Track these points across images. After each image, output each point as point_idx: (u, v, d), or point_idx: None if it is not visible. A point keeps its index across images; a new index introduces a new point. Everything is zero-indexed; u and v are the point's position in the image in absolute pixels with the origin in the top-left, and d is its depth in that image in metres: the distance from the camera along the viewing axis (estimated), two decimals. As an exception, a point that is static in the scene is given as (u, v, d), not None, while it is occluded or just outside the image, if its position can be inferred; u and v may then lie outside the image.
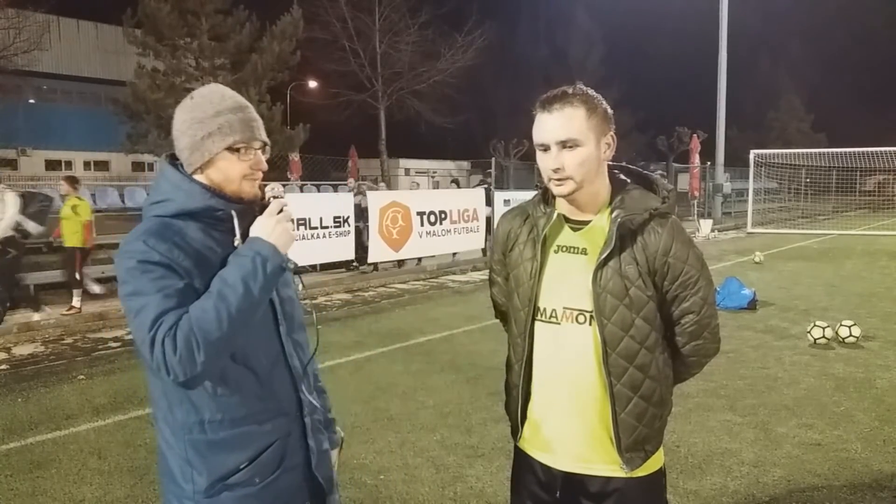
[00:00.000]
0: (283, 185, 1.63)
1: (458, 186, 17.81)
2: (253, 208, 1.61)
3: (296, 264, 1.68)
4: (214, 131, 1.54)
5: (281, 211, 1.58)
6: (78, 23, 37.35)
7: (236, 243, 1.55)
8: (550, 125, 1.62)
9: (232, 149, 1.55)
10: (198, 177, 1.57)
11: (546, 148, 1.65)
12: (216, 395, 1.53)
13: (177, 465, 1.58)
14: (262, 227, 1.55)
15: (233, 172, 1.56)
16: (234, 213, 1.56)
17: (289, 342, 1.64)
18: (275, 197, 1.60)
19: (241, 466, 1.56)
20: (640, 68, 51.99)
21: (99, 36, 37.87)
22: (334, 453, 1.88)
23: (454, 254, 13.46)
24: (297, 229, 9.99)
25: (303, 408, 1.66)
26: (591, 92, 1.66)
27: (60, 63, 35.64)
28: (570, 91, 1.63)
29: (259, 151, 1.60)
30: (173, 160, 1.61)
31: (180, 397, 1.53)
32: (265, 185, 1.63)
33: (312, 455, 1.68)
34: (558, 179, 1.64)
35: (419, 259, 13.19)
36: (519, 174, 32.99)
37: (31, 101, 36.45)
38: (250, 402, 1.56)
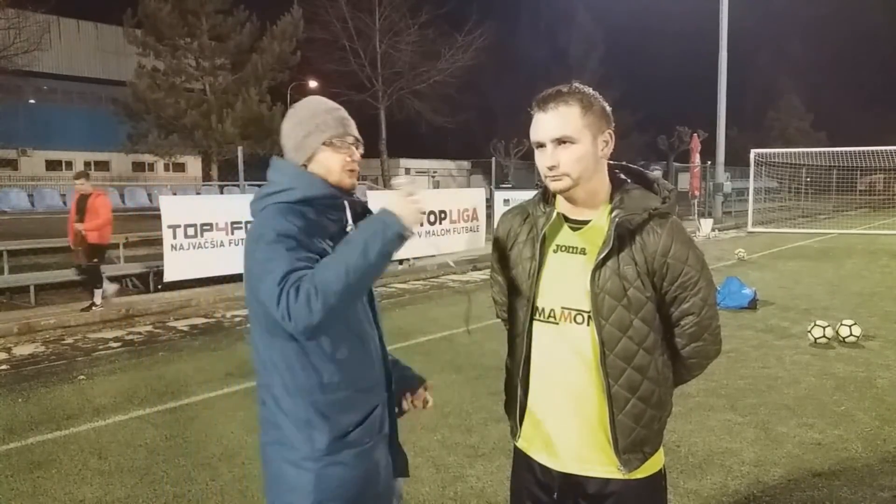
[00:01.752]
0: None
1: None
2: (359, 200, 1.84)
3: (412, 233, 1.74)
4: (313, 129, 1.76)
5: (411, 195, 1.70)
6: (78, 23, 37.36)
7: (349, 228, 1.76)
8: (545, 123, 1.63)
9: (328, 143, 1.76)
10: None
11: (542, 146, 1.65)
12: (334, 358, 1.69)
13: (294, 429, 1.71)
14: (393, 202, 1.66)
15: (333, 164, 1.77)
16: (346, 202, 1.78)
17: (376, 327, 1.86)
18: (409, 192, 1.71)
19: (354, 427, 1.73)
20: (640, 68, 52.11)
21: (99, 36, 37.89)
22: (426, 389, 2.07)
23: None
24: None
25: (390, 381, 1.87)
26: (586, 90, 1.66)
27: (60, 63, 35.66)
28: (565, 90, 1.64)
29: (353, 146, 1.80)
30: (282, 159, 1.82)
31: (303, 362, 1.68)
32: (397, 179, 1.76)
33: (394, 427, 1.88)
34: (554, 176, 1.64)
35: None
36: (519, 173, 32.98)
37: (32, 101, 36.46)
38: (359, 368, 1.75)
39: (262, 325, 1.70)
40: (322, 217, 1.72)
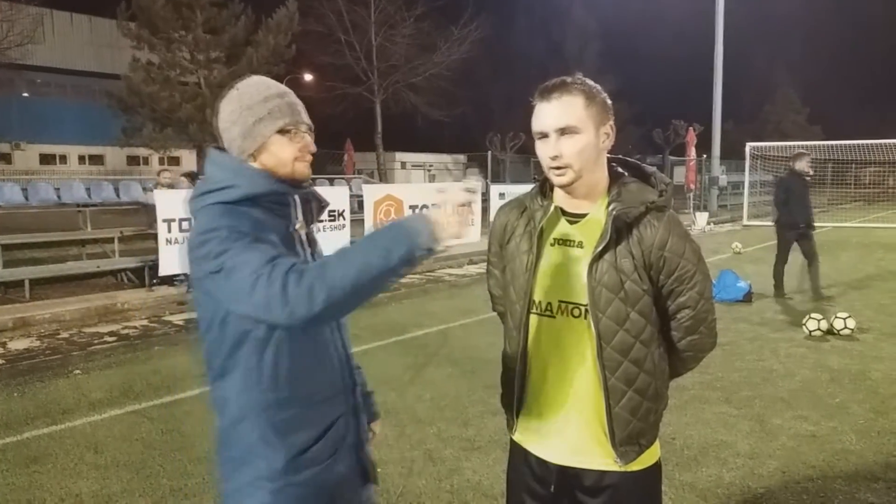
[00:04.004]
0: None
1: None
2: (311, 194, 1.66)
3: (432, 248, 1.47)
4: (265, 116, 1.58)
5: (463, 206, 1.44)
6: (71, 16, 37.17)
7: (298, 227, 1.61)
8: (549, 113, 1.62)
9: (283, 131, 1.59)
10: (251, 163, 1.60)
11: (545, 136, 1.64)
12: (290, 372, 1.56)
13: (249, 449, 1.58)
14: (439, 214, 1.42)
15: (285, 155, 1.60)
16: (296, 198, 1.61)
17: (338, 328, 1.72)
18: (469, 190, 1.44)
19: (313, 443, 1.60)
20: (636, 61, 52.12)
21: (93, 29, 37.69)
22: (376, 425, 2.00)
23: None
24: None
25: (354, 388, 1.75)
26: (589, 81, 1.65)
27: (54, 56, 35.45)
28: (569, 80, 1.63)
29: (307, 134, 1.64)
30: (220, 150, 1.63)
31: (258, 377, 1.55)
32: (469, 176, 1.53)
33: (362, 433, 1.77)
34: (557, 168, 1.63)
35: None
36: (515, 167, 32.98)
37: (25, 94, 36.29)
38: (317, 380, 1.62)
39: (220, 335, 1.55)
40: (269, 216, 1.54)
